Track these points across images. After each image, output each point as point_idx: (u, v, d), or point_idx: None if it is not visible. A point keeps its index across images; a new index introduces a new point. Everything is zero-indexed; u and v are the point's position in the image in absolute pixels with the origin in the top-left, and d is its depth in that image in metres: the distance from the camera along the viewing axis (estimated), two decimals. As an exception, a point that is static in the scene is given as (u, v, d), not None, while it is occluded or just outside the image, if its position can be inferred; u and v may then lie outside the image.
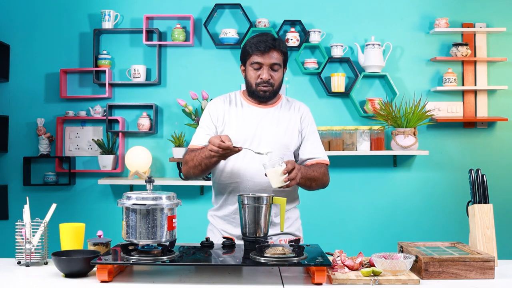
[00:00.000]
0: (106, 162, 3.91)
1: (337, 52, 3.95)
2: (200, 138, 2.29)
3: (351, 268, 1.86)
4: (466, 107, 4.05)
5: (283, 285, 1.75)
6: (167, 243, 1.86)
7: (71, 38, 4.06)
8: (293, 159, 2.32)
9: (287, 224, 2.29)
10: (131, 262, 1.77)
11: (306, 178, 2.16)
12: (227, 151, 2.01)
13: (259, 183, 2.22)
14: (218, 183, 2.33)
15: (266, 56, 2.21)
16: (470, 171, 2.13)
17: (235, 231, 2.26)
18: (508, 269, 2.00)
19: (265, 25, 3.96)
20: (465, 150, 4.07)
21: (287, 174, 2.01)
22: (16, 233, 2.04)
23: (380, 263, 1.81)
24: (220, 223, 2.33)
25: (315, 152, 2.30)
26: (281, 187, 2.03)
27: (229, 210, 2.30)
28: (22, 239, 2.03)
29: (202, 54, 4.06)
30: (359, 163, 4.05)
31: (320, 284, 1.74)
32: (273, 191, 2.16)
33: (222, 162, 2.22)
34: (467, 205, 2.15)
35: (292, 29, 3.97)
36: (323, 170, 2.26)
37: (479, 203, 2.10)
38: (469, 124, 4.06)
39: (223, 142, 1.99)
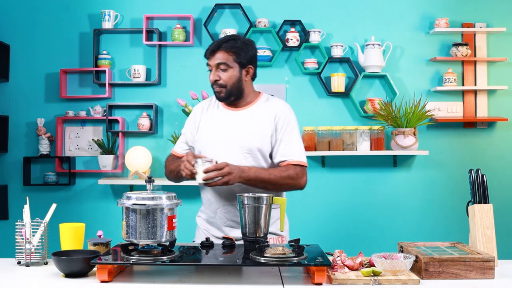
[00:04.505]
0: (106, 162, 3.91)
1: (337, 52, 3.96)
2: (178, 145, 2.42)
3: (351, 268, 1.86)
4: (466, 107, 4.05)
5: (283, 285, 1.75)
6: (167, 243, 1.87)
7: (71, 38, 4.06)
8: (269, 162, 2.26)
9: None
10: (131, 262, 1.77)
11: (258, 180, 2.14)
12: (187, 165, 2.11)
13: (232, 186, 2.20)
14: (199, 185, 2.35)
15: (212, 58, 2.23)
16: (470, 171, 2.13)
17: (217, 232, 2.29)
18: (508, 269, 2.00)
19: (265, 25, 3.96)
20: (465, 150, 4.07)
21: (214, 171, 2.06)
22: (16, 233, 2.04)
23: (380, 263, 1.81)
24: (203, 223, 2.38)
25: (288, 154, 2.22)
26: (207, 184, 2.08)
27: (207, 213, 2.34)
28: (22, 239, 2.03)
29: (202, 54, 4.05)
30: (359, 163, 4.05)
31: (320, 284, 1.74)
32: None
33: None
34: (467, 205, 2.15)
35: (292, 29, 3.97)
36: (290, 172, 2.18)
37: (479, 203, 2.10)
38: (469, 124, 4.06)
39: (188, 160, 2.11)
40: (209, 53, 2.24)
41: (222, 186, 2.11)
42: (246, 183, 2.14)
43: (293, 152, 2.23)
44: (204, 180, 2.07)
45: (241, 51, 2.23)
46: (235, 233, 2.23)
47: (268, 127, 2.24)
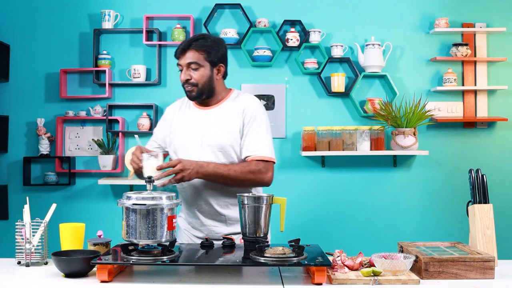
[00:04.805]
0: (106, 162, 3.91)
1: (337, 52, 3.95)
2: (148, 143, 2.43)
3: (351, 268, 1.86)
4: (466, 107, 4.05)
5: (283, 285, 1.75)
6: (167, 243, 1.87)
7: (71, 38, 4.06)
8: (238, 158, 2.26)
9: None
10: (131, 262, 1.77)
11: (217, 176, 2.14)
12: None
13: (193, 185, 2.22)
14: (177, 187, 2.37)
15: (183, 57, 2.22)
16: (470, 171, 2.13)
17: (197, 232, 2.30)
18: (508, 269, 2.00)
19: (265, 25, 3.96)
20: (465, 150, 4.07)
21: (167, 169, 2.07)
22: (16, 233, 2.04)
23: (380, 263, 1.81)
24: (183, 224, 2.39)
25: (252, 149, 2.20)
26: (162, 184, 2.09)
27: (187, 213, 2.35)
28: (22, 239, 2.03)
29: (202, 54, 4.06)
30: (359, 163, 4.05)
31: (320, 284, 1.74)
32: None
33: None
34: (467, 205, 2.15)
35: (292, 29, 3.97)
36: (251, 167, 2.17)
37: (479, 203, 2.10)
38: (469, 124, 4.06)
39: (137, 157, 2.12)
40: (179, 53, 2.23)
41: (177, 183, 2.12)
42: (205, 178, 2.15)
43: (257, 147, 2.21)
44: (156, 179, 2.06)
45: (212, 49, 2.22)
46: (215, 231, 2.26)
47: (236, 122, 2.24)
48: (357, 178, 4.05)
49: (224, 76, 2.31)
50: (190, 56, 2.20)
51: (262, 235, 1.97)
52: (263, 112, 2.28)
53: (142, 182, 3.75)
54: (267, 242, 1.98)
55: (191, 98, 2.27)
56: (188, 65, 2.21)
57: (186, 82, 2.23)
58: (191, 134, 2.26)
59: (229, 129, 2.23)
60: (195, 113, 2.31)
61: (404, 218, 4.04)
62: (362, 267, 1.88)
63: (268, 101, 3.99)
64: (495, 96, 4.08)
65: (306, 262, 1.76)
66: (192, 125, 2.28)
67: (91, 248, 2.04)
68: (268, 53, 3.95)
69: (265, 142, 2.23)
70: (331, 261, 1.85)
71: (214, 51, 2.23)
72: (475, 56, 4.05)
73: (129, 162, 2.18)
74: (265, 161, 2.20)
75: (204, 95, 2.25)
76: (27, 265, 2.01)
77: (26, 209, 2.07)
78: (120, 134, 3.98)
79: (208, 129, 2.24)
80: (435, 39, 4.07)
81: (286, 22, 3.96)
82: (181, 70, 2.25)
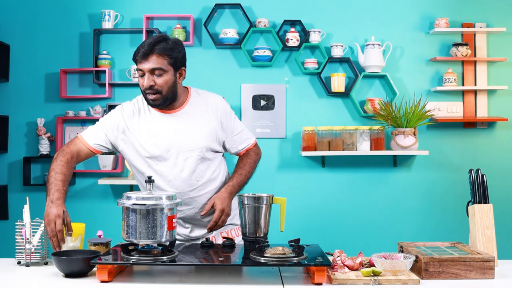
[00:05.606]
0: (106, 162, 3.91)
1: (337, 52, 3.95)
2: (92, 134, 2.19)
3: (351, 268, 1.86)
4: (466, 107, 4.05)
5: (283, 285, 1.75)
6: (167, 243, 1.87)
7: (71, 38, 4.06)
8: (216, 156, 2.28)
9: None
10: (131, 262, 1.77)
11: (241, 187, 2.27)
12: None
13: (178, 193, 2.19)
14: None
15: (145, 62, 2.08)
16: (470, 171, 2.13)
17: (178, 237, 2.28)
18: (508, 269, 2.00)
19: (265, 25, 3.96)
20: (465, 150, 4.07)
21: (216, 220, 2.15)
22: (16, 233, 2.04)
23: (380, 263, 1.81)
24: None
25: (244, 141, 2.33)
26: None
27: None
28: (22, 239, 2.03)
29: (202, 54, 4.06)
30: (359, 163, 4.05)
31: (320, 284, 1.74)
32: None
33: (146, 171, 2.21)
34: (467, 205, 2.15)
35: (292, 29, 3.97)
36: (254, 158, 2.34)
37: (479, 203, 2.10)
38: (469, 124, 4.06)
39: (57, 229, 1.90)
40: (141, 57, 2.08)
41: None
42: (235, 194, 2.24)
43: (245, 137, 2.34)
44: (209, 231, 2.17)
45: (173, 52, 2.11)
46: (196, 233, 2.28)
47: (212, 124, 2.22)
48: (357, 178, 4.05)
49: (183, 78, 2.23)
50: (154, 61, 2.07)
51: (262, 235, 1.98)
52: (228, 105, 2.35)
53: (142, 182, 3.75)
54: (267, 242, 1.98)
55: (154, 105, 2.17)
56: (152, 71, 2.08)
57: (149, 88, 2.11)
58: (168, 141, 2.17)
59: (206, 131, 2.20)
60: (162, 119, 2.20)
61: (404, 218, 4.04)
62: (362, 267, 1.88)
63: (268, 101, 3.99)
64: (495, 96, 4.08)
65: (306, 262, 1.76)
66: (164, 132, 2.18)
67: (91, 248, 2.04)
68: (268, 53, 3.95)
69: (245, 130, 2.37)
70: (331, 261, 1.85)
71: (176, 53, 2.11)
72: (475, 56, 4.05)
73: (50, 233, 1.89)
74: (254, 145, 2.39)
75: (168, 102, 2.16)
76: (27, 265, 2.01)
77: (26, 209, 2.07)
78: (120, 134, 3.97)
79: (184, 134, 2.18)
80: (435, 39, 4.07)
81: (286, 22, 3.96)
82: (141, 76, 2.12)
